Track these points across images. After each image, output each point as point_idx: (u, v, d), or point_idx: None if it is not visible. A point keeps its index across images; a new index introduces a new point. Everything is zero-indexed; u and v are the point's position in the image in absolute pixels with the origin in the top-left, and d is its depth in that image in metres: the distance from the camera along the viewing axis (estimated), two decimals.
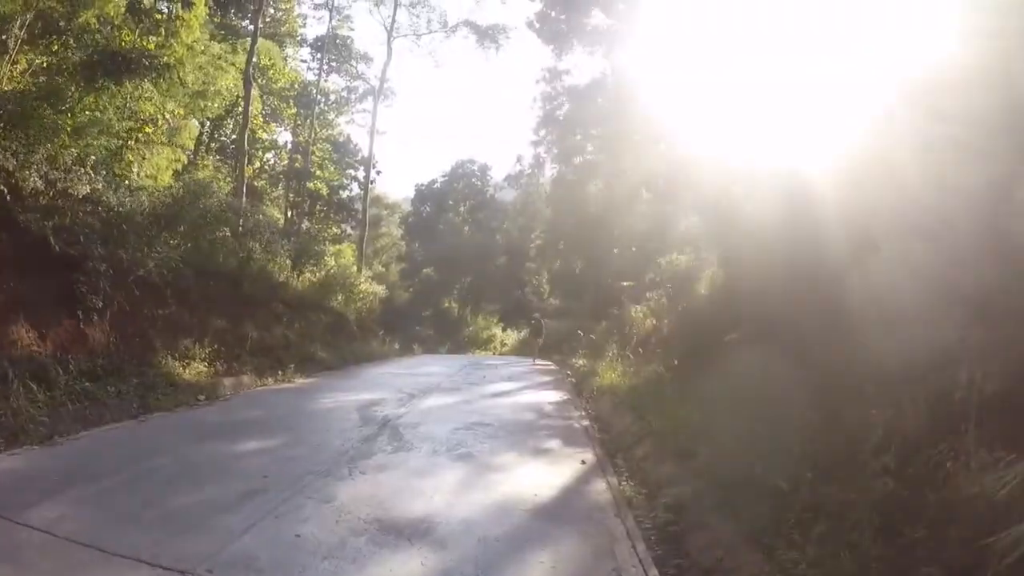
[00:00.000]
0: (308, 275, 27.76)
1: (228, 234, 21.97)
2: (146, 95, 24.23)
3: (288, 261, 25.53)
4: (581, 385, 19.77)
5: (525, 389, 18.34)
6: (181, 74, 24.92)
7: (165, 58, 23.73)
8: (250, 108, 32.26)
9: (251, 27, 39.52)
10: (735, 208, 15.94)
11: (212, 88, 32.16)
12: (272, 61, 39.82)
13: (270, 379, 16.87)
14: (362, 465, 8.71)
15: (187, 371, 14.96)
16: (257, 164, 49.30)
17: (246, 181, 48.16)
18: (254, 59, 36.41)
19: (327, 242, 41.22)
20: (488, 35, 42.96)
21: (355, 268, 37.62)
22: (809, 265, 9.56)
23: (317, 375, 19.20)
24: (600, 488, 8.53)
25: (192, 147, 33.47)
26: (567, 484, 8.60)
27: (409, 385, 17.13)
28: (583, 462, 9.76)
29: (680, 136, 35.85)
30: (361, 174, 55.50)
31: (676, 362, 14.01)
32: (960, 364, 5.62)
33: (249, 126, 44.83)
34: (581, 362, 26.03)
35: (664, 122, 37.19)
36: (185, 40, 27.24)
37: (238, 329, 18.86)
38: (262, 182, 49.71)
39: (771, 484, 6.91)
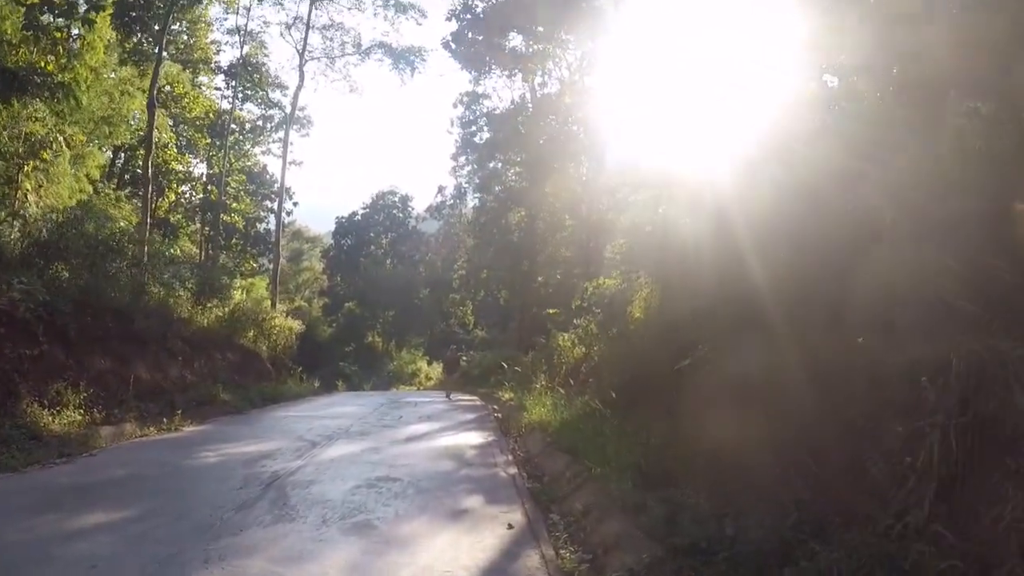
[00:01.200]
0: (215, 310, 25.34)
1: (124, 266, 19.68)
2: (37, 115, 22.31)
3: (187, 295, 23.10)
4: (508, 422, 17.83)
5: (445, 431, 16.14)
6: (80, 95, 23.10)
7: (60, 77, 21.88)
8: (154, 134, 29.79)
9: (171, 63, 37.45)
10: (668, 226, 14.37)
11: (118, 114, 30.16)
12: (179, 85, 37.16)
13: (153, 428, 14.44)
14: (225, 546, 6.59)
15: (56, 421, 12.65)
16: (172, 197, 46.85)
17: (157, 214, 46.19)
18: (161, 84, 34.34)
19: (239, 275, 38.60)
20: (403, 57, 40.94)
21: (269, 302, 35.06)
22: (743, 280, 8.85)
23: (213, 420, 16.75)
24: (532, 563, 6.56)
25: (99, 176, 31.08)
26: (490, 562, 6.59)
27: (314, 430, 14.87)
28: (510, 525, 7.76)
29: (605, 157, 34.72)
30: (276, 205, 53.33)
31: (613, 394, 12.06)
32: None
33: (160, 156, 42.85)
34: (507, 396, 24.12)
35: (587, 144, 36.12)
36: (89, 62, 25.49)
37: (126, 370, 16.49)
38: (178, 216, 47.25)
39: (750, 550, 5.71)
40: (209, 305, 24.59)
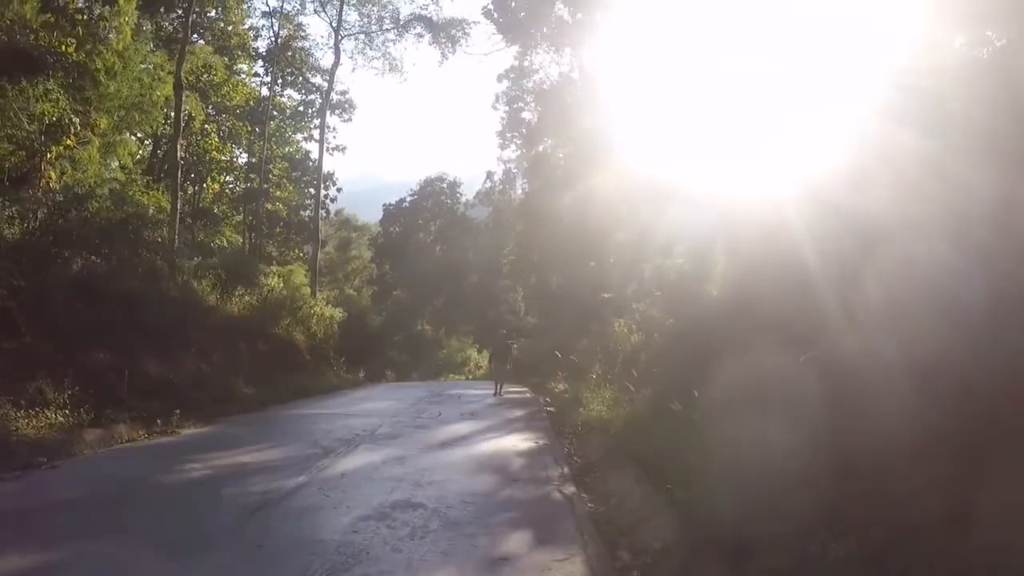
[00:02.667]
0: (247, 298, 23.32)
1: (141, 253, 17.85)
2: (50, 96, 20.64)
3: (211, 282, 21.09)
4: (562, 418, 15.49)
5: (488, 432, 13.80)
6: (98, 75, 21.53)
7: (76, 57, 20.20)
8: (185, 118, 27.69)
9: (196, 38, 35.58)
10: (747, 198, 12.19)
11: (150, 100, 28.51)
12: (216, 71, 35.14)
13: (145, 431, 12.26)
14: None
15: (32, 423, 10.59)
16: (215, 187, 45.22)
17: (201, 204, 44.64)
18: (197, 70, 32.45)
19: (274, 262, 36.54)
20: (443, 31, 38.04)
21: (308, 290, 32.98)
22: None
23: (222, 420, 14.55)
24: None
25: (131, 164, 29.32)
26: None
27: (334, 433, 12.65)
28: None
29: (666, 132, 31.96)
30: (321, 192, 51.34)
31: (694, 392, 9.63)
32: None
33: (201, 145, 41.19)
34: (561, 387, 21.80)
35: (647, 119, 33.37)
36: (115, 46, 23.70)
37: (129, 364, 14.42)
38: (223, 206, 45.58)
39: None
40: (238, 293, 22.56)
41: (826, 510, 5.57)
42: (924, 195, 6.81)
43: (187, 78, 32.83)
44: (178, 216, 26.46)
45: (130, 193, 25.84)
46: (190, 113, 42.53)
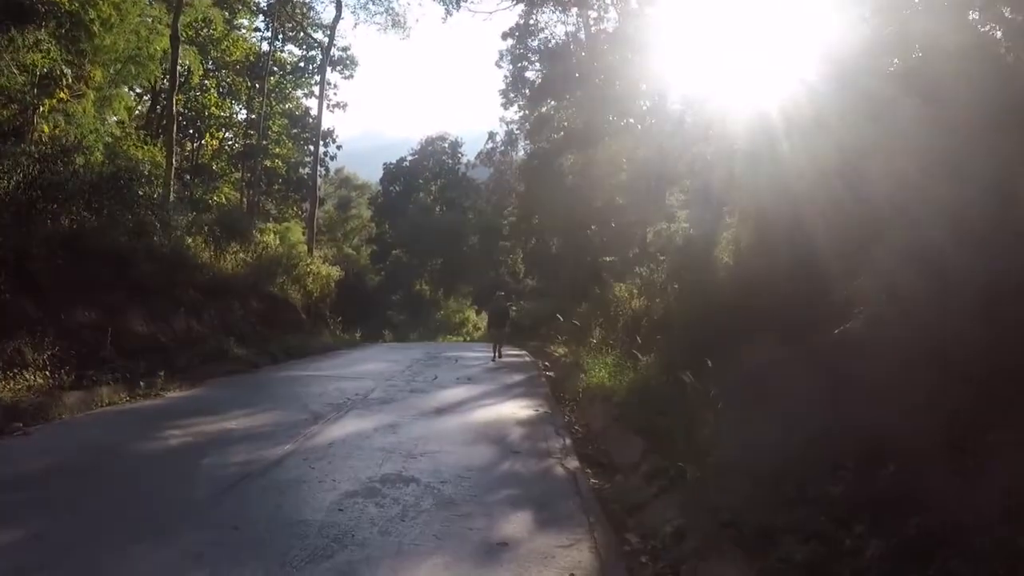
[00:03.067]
0: (242, 255, 22.67)
1: (132, 207, 17.20)
2: (41, 46, 19.95)
3: (203, 239, 20.44)
4: (562, 384, 14.97)
5: (487, 397, 13.22)
6: (98, 30, 21.04)
7: (68, 6, 19.53)
8: (182, 71, 26.76)
9: None
10: (772, 146, 11.12)
11: (146, 53, 27.71)
12: (215, 26, 34.12)
13: (125, 394, 11.64)
14: None
15: (9, 385, 10.04)
16: (214, 144, 44.44)
17: (199, 160, 43.85)
18: (196, 22, 31.48)
19: (271, 219, 35.79)
20: None
21: (305, 248, 32.26)
22: None
23: (210, 382, 13.88)
24: None
25: (128, 119, 28.56)
26: None
27: (326, 396, 12.08)
28: None
29: (667, 95, 31.11)
30: (320, 150, 50.42)
31: (708, 361, 9.07)
32: None
33: (200, 100, 40.33)
34: (561, 351, 21.25)
35: (648, 80, 32.48)
36: None
37: (116, 323, 13.83)
38: (221, 163, 44.79)
39: None
40: (232, 250, 21.92)
41: (858, 497, 5.04)
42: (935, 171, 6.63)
43: (185, 32, 32.03)
44: (173, 171, 25.79)
45: (124, 147, 25.20)
46: (189, 67, 41.76)
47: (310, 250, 32.32)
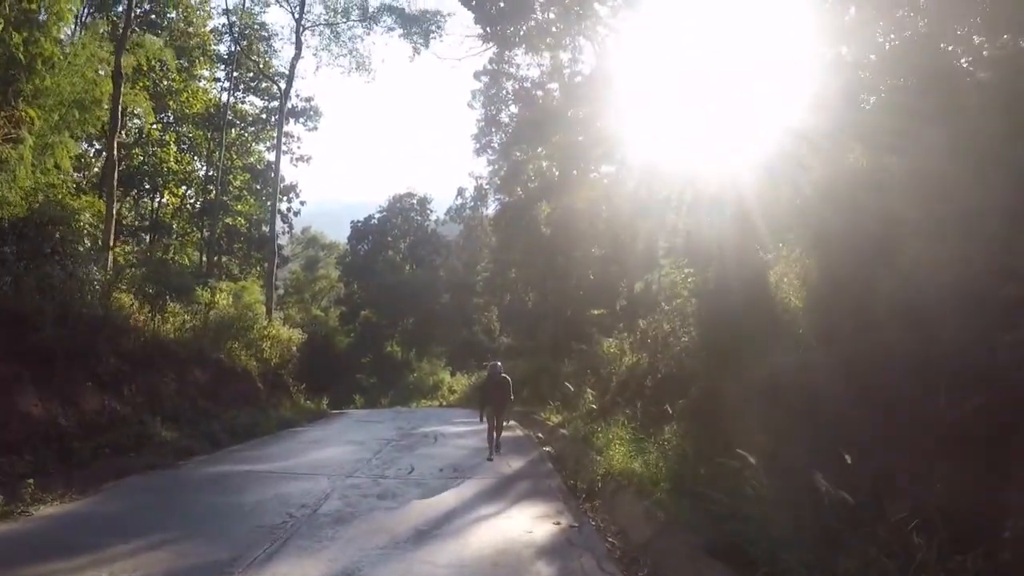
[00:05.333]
0: (187, 317, 19.16)
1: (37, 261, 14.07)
2: None
3: (132, 297, 16.93)
4: (571, 467, 11.59)
5: (484, 502, 9.32)
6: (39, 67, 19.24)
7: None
8: (129, 114, 23.45)
9: (152, 36, 31.19)
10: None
11: (91, 96, 24.81)
12: (162, 64, 30.80)
13: None
14: None
15: None
16: (175, 200, 41.25)
17: (158, 217, 40.44)
18: (141, 60, 28.15)
19: (222, 278, 32.05)
20: (415, 22, 33.43)
21: (263, 308, 28.62)
22: None
23: (110, 487, 9.78)
24: None
25: (69, 168, 25.22)
26: None
27: (262, 511, 8.40)
28: None
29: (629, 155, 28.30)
30: (283, 205, 47.14)
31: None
32: None
33: (157, 155, 37.16)
34: (554, 419, 17.95)
35: (635, 123, 29.49)
36: (54, 33, 20.76)
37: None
38: (182, 222, 41.51)
39: None
40: (174, 311, 18.44)
41: None
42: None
43: (142, 81, 29.49)
44: (114, 222, 22.44)
45: (58, 196, 22.19)
46: (143, 118, 38.64)
47: (269, 311, 28.61)
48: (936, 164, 6.86)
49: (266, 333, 24.20)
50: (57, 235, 15.75)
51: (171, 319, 18.11)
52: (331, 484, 10.23)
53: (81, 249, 16.90)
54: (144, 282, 17.71)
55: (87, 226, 20.00)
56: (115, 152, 23.15)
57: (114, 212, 22.45)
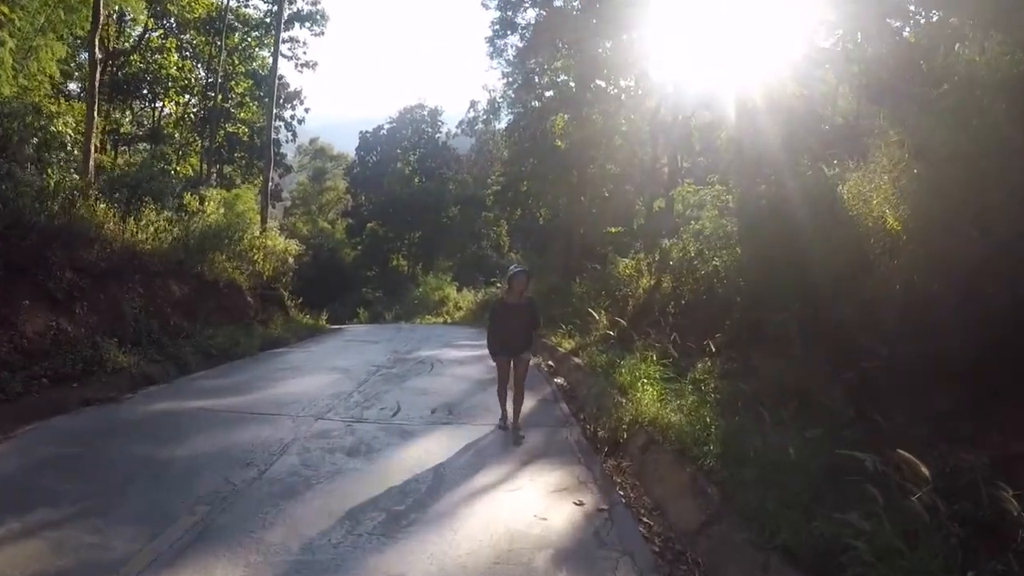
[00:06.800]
0: (167, 226, 17.07)
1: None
2: None
3: (105, 204, 14.87)
4: (590, 409, 9.58)
5: (484, 466, 6.96)
6: None
7: None
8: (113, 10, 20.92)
9: None
10: None
11: None
12: None
13: None
14: None
15: None
16: (176, 109, 39.01)
17: (162, 126, 38.18)
18: None
19: (214, 186, 29.66)
20: None
21: (258, 217, 26.41)
22: None
23: (23, 432, 7.61)
24: None
25: (55, 72, 23.16)
26: None
27: (195, 474, 6.32)
28: None
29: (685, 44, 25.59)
30: (287, 113, 44.71)
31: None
32: None
33: (157, 61, 34.82)
34: (567, 344, 16.04)
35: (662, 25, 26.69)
36: None
37: None
38: (185, 132, 39.32)
39: None
40: (151, 219, 16.37)
41: None
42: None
43: None
44: (95, 127, 20.22)
45: (35, 100, 20.35)
46: (138, 21, 36.16)
47: (263, 220, 26.34)
48: None
49: (259, 243, 22.13)
50: (17, 139, 13.80)
51: (149, 228, 16.04)
52: (294, 430, 8.13)
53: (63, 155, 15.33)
54: (116, 186, 15.64)
55: (69, 132, 18.40)
56: (96, 50, 20.70)
57: (95, 116, 20.16)
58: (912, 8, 10.28)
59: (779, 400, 6.64)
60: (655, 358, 10.11)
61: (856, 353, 6.20)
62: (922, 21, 10.15)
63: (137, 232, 15.44)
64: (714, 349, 9.35)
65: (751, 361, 8.37)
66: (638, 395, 8.77)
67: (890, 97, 8.17)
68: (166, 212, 17.57)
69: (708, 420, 7.06)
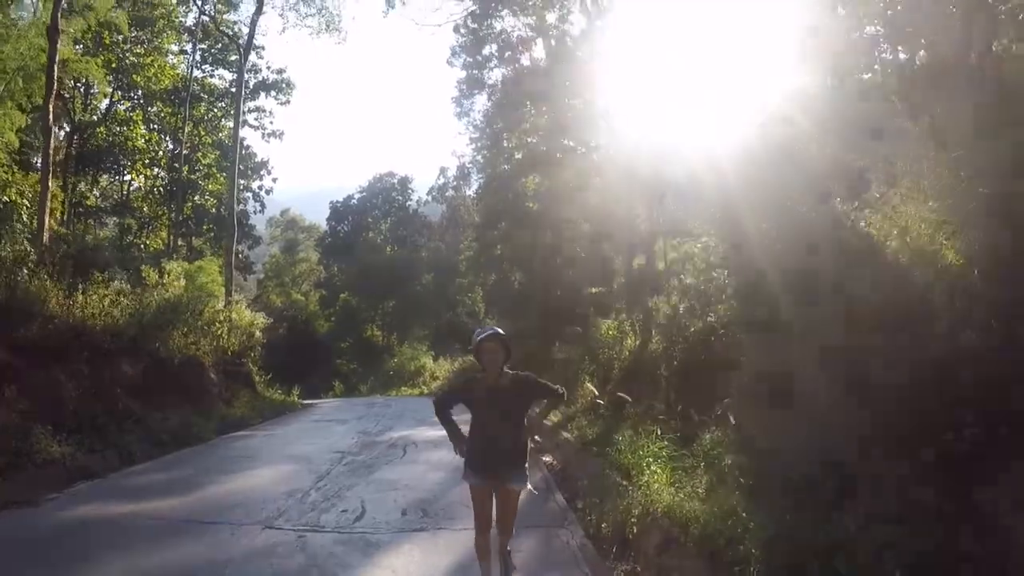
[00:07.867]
0: (121, 299, 15.67)
1: None
2: None
3: (44, 278, 13.50)
4: (593, 501, 8.09)
5: None
6: None
7: None
8: (55, 66, 19.70)
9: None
10: None
11: (36, 63, 22.22)
12: (112, 25, 26.90)
13: None
14: None
15: None
16: (144, 183, 37.92)
17: (127, 200, 36.95)
18: (91, 23, 24.43)
19: (174, 257, 28.07)
20: None
21: (222, 290, 24.93)
22: None
23: None
24: None
25: (14, 141, 21.98)
26: None
27: None
28: None
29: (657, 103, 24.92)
30: (255, 183, 43.67)
31: None
32: None
33: (123, 133, 33.87)
34: (552, 418, 14.62)
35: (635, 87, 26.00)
36: None
37: None
38: (152, 204, 38.22)
39: None
40: (100, 293, 15.00)
41: None
42: None
43: (104, 55, 29.46)
44: (50, 198, 18.99)
45: None
46: (100, 92, 35.38)
47: (228, 292, 24.81)
48: None
49: (223, 317, 20.66)
50: None
51: (100, 302, 14.65)
52: (231, 548, 6.44)
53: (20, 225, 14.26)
54: (64, 258, 14.34)
55: (25, 202, 17.23)
56: (50, 118, 19.57)
57: (49, 186, 18.91)
58: None
59: (822, 476, 5.46)
60: (659, 432, 8.86)
61: (928, 423, 4.97)
62: None
63: (87, 307, 14.07)
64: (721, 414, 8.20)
65: (771, 429, 7.10)
66: (645, 478, 7.49)
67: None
68: (116, 283, 16.21)
69: (738, 509, 5.80)
